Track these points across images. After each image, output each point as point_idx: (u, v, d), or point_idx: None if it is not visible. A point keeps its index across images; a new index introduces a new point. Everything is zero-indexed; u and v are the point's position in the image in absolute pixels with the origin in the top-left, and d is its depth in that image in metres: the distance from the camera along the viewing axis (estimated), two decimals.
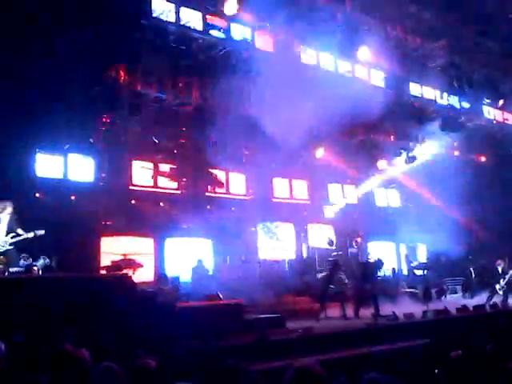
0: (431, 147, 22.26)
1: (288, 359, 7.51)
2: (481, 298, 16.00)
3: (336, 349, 9.33)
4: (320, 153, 19.78)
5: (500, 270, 15.85)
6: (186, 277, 15.54)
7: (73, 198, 15.03)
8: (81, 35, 13.92)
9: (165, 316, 9.28)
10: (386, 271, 18.83)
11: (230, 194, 18.48)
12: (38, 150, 14.71)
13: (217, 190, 18.12)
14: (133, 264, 13.34)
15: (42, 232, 10.45)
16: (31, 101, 13.37)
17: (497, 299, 15.25)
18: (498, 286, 15.67)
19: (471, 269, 18.93)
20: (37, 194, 14.39)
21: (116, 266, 12.47)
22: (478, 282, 18.09)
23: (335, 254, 14.53)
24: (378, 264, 14.04)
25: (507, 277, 15.66)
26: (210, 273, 15.82)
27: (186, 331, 8.92)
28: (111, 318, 8.37)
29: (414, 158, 21.86)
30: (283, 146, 15.78)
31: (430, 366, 6.66)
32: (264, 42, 17.39)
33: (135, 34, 15.13)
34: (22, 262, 11.73)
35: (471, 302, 14.66)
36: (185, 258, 16.38)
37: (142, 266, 13.70)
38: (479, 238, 20.52)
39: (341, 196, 21.73)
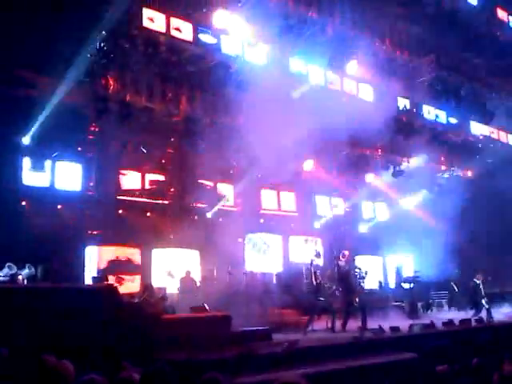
0: (418, 162, 22.47)
1: (274, 372, 7.49)
2: (467, 313, 16.04)
3: (322, 362, 9.31)
4: (308, 165, 19.82)
5: (479, 283, 15.88)
6: (172, 288, 15.48)
7: (59, 207, 14.93)
8: (71, 43, 13.90)
9: (151, 328, 9.20)
10: (372, 284, 18.85)
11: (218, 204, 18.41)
12: (24, 157, 14.60)
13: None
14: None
15: None
16: (19, 106, 13.30)
17: (482, 314, 15.29)
18: (484, 301, 15.71)
19: (452, 283, 19.04)
20: (23, 203, 14.27)
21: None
22: (464, 297, 18.12)
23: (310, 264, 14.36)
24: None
25: (481, 289, 15.70)
26: (198, 284, 15.74)
27: (172, 343, 8.85)
28: (96, 329, 8.28)
29: (401, 172, 22.01)
30: (271, 158, 15.79)
31: (416, 381, 6.66)
32: (254, 55, 17.43)
33: (125, 44, 15.13)
34: (6, 270, 11.62)
35: (458, 316, 14.69)
36: (172, 268, 16.33)
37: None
38: (466, 252, 20.58)
39: (328, 208, 21.78)
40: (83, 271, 14.71)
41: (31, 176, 14.73)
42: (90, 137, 15.87)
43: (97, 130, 15.84)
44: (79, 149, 15.76)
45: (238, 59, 16.90)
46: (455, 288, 18.93)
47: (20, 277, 12.16)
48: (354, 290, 13.79)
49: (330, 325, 13.21)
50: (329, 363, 9.38)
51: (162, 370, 4.19)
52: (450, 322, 13.69)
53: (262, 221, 19.44)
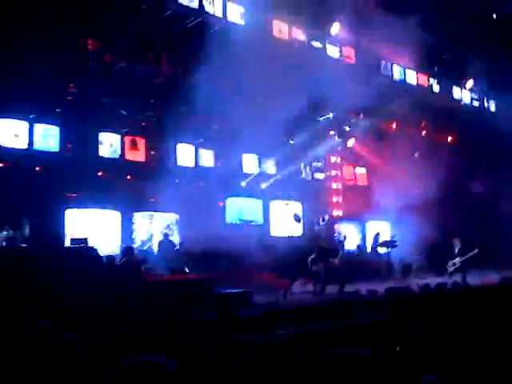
0: (399, 126, 22.53)
1: (254, 334, 7.60)
2: (445, 277, 16.31)
3: (302, 323, 9.46)
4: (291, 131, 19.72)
5: (456, 248, 16.08)
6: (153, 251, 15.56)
7: (38, 168, 14.76)
8: (49, 2, 13.57)
9: (131, 289, 9.26)
10: (351, 248, 19.06)
11: (198, 167, 18.29)
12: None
13: None
14: None
15: None
16: None
17: (458, 277, 15.57)
18: (449, 263, 15.97)
19: (435, 246, 19.24)
20: (0, 165, 14.09)
21: None
22: (442, 260, 18.40)
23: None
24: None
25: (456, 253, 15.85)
26: (177, 247, 15.78)
27: (153, 304, 8.93)
28: (77, 290, 8.31)
29: (381, 137, 22.06)
30: (253, 122, 15.67)
31: (391, 343, 6.80)
32: (236, 15, 17.15)
33: (104, 3, 14.78)
34: None
35: (435, 280, 14.95)
36: (152, 231, 16.37)
37: None
38: (443, 217, 20.83)
39: (309, 173, 21.79)
40: (63, 233, 14.63)
41: (8, 137, 14.47)
42: (69, 98, 15.57)
43: (75, 90, 15.54)
44: (57, 110, 15.48)
45: (219, 19, 16.62)
46: (436, 251, 19.14)
47: None
48: (333, 253, 13.94)
49: (307, 287, 13.43)
50: (307, 325, 9.54)
51: (142, 329, 4.24)
52: (426, 285, 13.95)
53: (243, 184, 19.37)
